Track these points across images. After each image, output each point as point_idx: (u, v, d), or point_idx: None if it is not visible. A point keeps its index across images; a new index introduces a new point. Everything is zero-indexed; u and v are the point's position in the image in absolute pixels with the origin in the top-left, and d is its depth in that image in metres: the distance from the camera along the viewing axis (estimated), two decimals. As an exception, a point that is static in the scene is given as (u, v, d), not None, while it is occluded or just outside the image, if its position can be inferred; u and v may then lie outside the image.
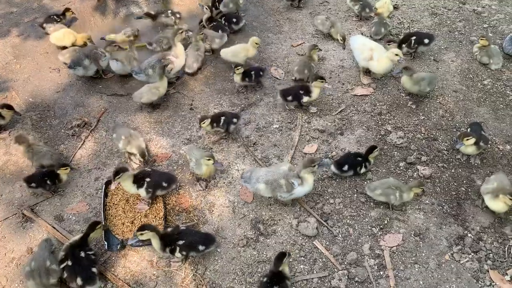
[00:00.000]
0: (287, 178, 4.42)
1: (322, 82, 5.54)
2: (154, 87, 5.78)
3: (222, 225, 4.57)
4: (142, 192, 4.53)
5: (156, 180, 4.58)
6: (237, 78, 5.99)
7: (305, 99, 5.64)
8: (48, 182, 4.79)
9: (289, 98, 5.69)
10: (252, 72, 6.00)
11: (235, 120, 5.39)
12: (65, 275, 3.92)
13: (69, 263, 3.92)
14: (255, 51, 6.41)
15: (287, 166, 4.56)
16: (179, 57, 6.19)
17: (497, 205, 4.33)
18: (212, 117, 5.30)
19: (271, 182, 4.43)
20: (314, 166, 4.43)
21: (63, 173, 4.88)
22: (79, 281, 3.87)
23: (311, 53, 6.20)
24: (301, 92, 5.65)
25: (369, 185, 4.68)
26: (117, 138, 5.18)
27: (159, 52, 6.39)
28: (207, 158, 4.61)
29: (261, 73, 6.08)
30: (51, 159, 5.04)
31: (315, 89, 5.60)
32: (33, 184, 4.77)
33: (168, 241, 4.05)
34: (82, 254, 3.98)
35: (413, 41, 6.43)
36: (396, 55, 5.78)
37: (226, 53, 6.37)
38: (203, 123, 5.23)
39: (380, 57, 5.93)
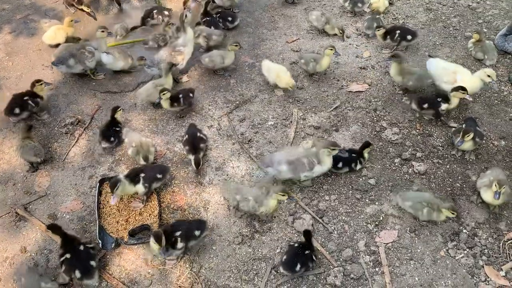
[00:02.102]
0: (307, 156, 4.54)
1: (463, 93, 5.17)
2: (159, 84, 5.74)
3: (217, 222, 4.55)
4: (140, 188, 4.51)
5: (150, 173, 4.57)
6: (165, 104, 5.53)
7: (444, 106, 5.32)
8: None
9: (425, 106, 5.40)
10: (180, 96, 5.57)
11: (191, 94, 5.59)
12: (63, 268, 3.92)
13: (68, 256, 3.93)
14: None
15: (303, 146, 4.71)
16: (188, 45, 6.15)
17: (491, 196, 4.34)
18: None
19: (292, 162, 4.55)
20: (334, 149, 4.51)
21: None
22: (77, 273, 3.87)
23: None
24: (439, 100, 5.35)
25: (403, 193, 4.55)
26: (128, 144, 5.07)
27: (167, 45, 6.38)
28: (282, 194, 4.30)
29: (190, 94, 5.67)
30: (37, 156, 5.03)
31: (454, 99, 5.27)
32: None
33: (166, 237, 4.03)
34: (81, 247, 3.99)
35: (397, 34, 6.50)
36: (489, 76, 5.34)
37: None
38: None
39: (465, 78, 5.43)
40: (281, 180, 4.81)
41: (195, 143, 5.02)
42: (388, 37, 6.58)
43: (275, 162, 4.64)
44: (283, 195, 4.29)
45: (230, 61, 6.27)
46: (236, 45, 6.15)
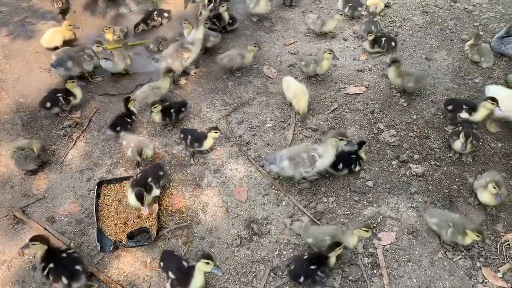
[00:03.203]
0: (307, 151, 4.56)
1: (493, 104, 4.99)
2: (156, 87, 5.75)
3: (215, 225, 4.56)
4: (156, 191, 4.52)
5: (154, 174, 4.56)
6: (156, 117, 5.48)
7: (464, 114, 5.20)
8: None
9: (450, 107, 5.35)
10: (172, 110, 5.50)
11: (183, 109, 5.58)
12: (51, 278, 3.88)
13: (52, 265, 3.89)
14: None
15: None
16: (196, 44, 6.21)
17: (488, 196, 4.37)
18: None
19: (293, 157, 4.59)
20: (342, 140, 4.50)
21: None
22: (64, 280, 3.84)
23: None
24: (464, 106, 5.22)
25: (430, 210, 4.44)
26: (126, 146, 5.04)
27: (175, 42, 6.39)
28: (365, 230, 4.01)
29: (182, 109, 5.62)
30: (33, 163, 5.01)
31: (482, 109, 5.11)
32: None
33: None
34: (64, 255, 3.96)
35: (383, 41, 6.61)
36: None
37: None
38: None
39: None
40: (284, 177, 4.85)
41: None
42: (376, 45, 6.67)
43: (277, 158, 4.68)
44: (367, 231, 4.00)
45: (248, 61, 6.36)
46: (255, 46, 6.25)
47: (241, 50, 6.35)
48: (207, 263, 3.65)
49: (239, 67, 6.37)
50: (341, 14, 6.30)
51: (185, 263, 3.82)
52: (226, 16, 7.00)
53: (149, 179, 4.49)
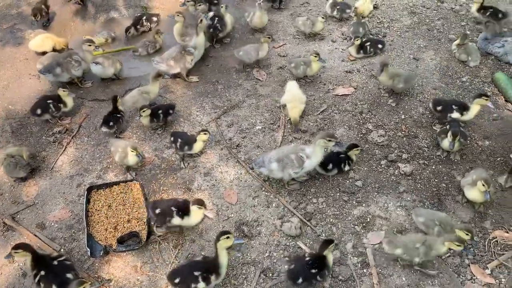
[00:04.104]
0: (296, 152, 4.58)
1: (486, 100, 5.05)
2: (145, 92, 5.76)
3: (206, 227, 4.57)
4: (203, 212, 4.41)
5: (175, 206, 4.35)
6: (145, 121, 5.51)
7: (455, 115, 5.24)
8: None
9: (439, 108, 5.36)
10: (160, 112, 5.53)
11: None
12: (42, 285, 3.85)
13: (43, 273, 3.86)
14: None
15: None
16: (198, 48, 6.28)
17: (474, 193, 4.40)
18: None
19: (281, 159, 4.60)
20: (331, 141, 4.53)
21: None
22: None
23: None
24: (454, 106, 5.24)
25: (418, 209, 4.45)
26: (114, 151, 5.04)
27: (176, 45, 6.45)
28: (457, 245, 3.84)
29: (170, 111, 5.63)
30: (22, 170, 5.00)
31: (475, 107, 5.15)
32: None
33: None
34: (55, 262, 3.92)
35: (368, 47, 6.65)
36: None
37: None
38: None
39: None
40: (274, 179, 4.87)
41: None
42: (361, 51, 6.69)
43: (266, 161, 4.69)
44: (459, 246, 3.83)
45: (264, 53, 6.49)
46: (268, 37, 6.40)
47: (256, 45, 6.49)
48: (227, 237, 3.77)
49: (256, 60, 6.53)
50: (323, 17, 6.42)
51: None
52: (229, 21, 7.04)
53: (174, 208, 4.33)
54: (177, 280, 3.80)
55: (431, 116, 5.66)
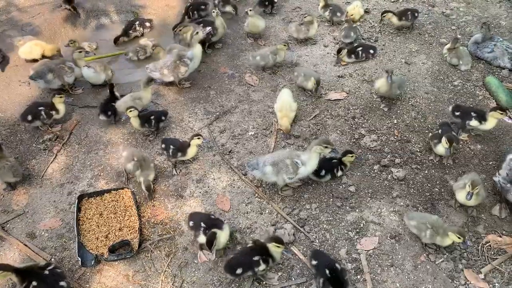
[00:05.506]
0: (291, 158, 4.56)
1: (502, 114, 5.05)
2: (137, 98, 5.72)
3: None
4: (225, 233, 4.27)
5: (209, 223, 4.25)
6: (134, 123, 5.43)
7: (474, 123, 5.20)
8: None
9: (457, 113, 5.32)
10: (152, 117, 5.46)
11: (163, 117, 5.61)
12: None
13: (34, 283, 3.77)
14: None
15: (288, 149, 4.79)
16: (194, 60, 6.24)
17: (462, 196, 4.39)
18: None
19: (276, 163, 4.58)
20: (327, 147, 4.52)
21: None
22: None
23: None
24: (473, 114, 5.20)
25: (410, 213, 4.46)
26: (127, 158, 4.90)
27: (172, 53, 6.32)
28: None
29: (163, 117, 5.57)
30: (16, 176, 4.94)
31: (491, 119, 5.12)
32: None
33: None
34: (46, 272, 3.84)
35: (360, 52, 6.65)
36: None
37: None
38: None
39: None
40: (268, 184, 4.88)
41: None
42: (353, 55, 6.70)
43: (260, 163, 4.66)
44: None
45: (281, 58, 6.53)
46: (284, 45, 6.47)
47: (273, 49, 6.51)
48: (278, 247, 3.91)
49: (273, 65, 6.59)
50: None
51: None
52: (221, 26, 6.99)
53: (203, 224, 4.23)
54: (239, 271, 3.92)
55: (423, 120, 5.67)
